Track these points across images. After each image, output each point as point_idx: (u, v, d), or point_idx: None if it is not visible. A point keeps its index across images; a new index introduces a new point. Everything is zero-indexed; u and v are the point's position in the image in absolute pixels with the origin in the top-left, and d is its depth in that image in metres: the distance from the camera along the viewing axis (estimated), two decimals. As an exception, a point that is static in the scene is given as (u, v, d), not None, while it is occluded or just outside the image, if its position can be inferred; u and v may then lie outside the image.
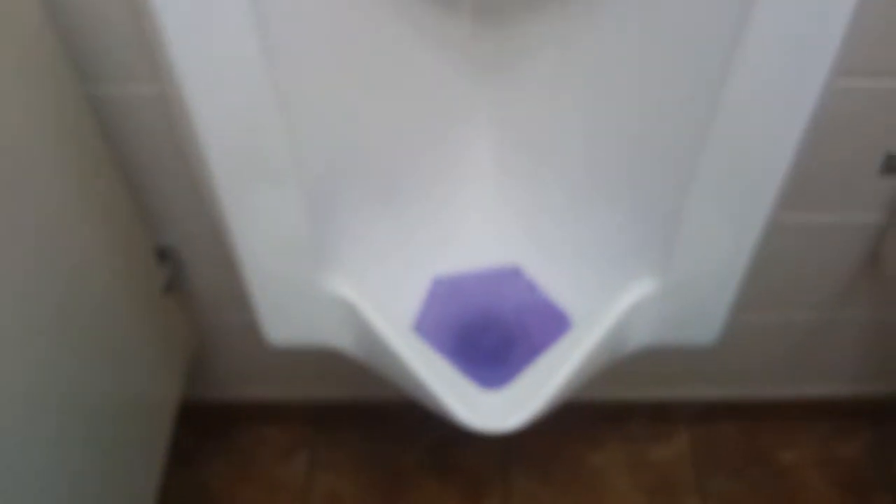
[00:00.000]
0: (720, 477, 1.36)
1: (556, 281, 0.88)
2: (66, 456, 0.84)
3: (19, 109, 0.73)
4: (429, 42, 0.76)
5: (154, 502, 1.06)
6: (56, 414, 0.82)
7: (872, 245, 1.04)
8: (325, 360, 1.10)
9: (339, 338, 0.83)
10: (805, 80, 0.63)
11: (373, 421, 1.38)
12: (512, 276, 0.88)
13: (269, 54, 0.63)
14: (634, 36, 0.72)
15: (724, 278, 0.79)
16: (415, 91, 0.79)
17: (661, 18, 0.69)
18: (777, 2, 0.59)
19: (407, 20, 0.74)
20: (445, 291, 0.88)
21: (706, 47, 0.66)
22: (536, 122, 0.82)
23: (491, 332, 0.87)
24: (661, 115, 0.74)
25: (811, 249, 1.05)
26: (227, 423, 1.38)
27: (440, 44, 0.76)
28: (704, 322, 0.83)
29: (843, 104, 0.85)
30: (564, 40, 0.75)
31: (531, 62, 0.79)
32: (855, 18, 0.60)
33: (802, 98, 0.64)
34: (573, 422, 1.37)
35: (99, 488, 0.92)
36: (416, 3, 0.73)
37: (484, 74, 0.80)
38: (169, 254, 1.04)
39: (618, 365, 0.90)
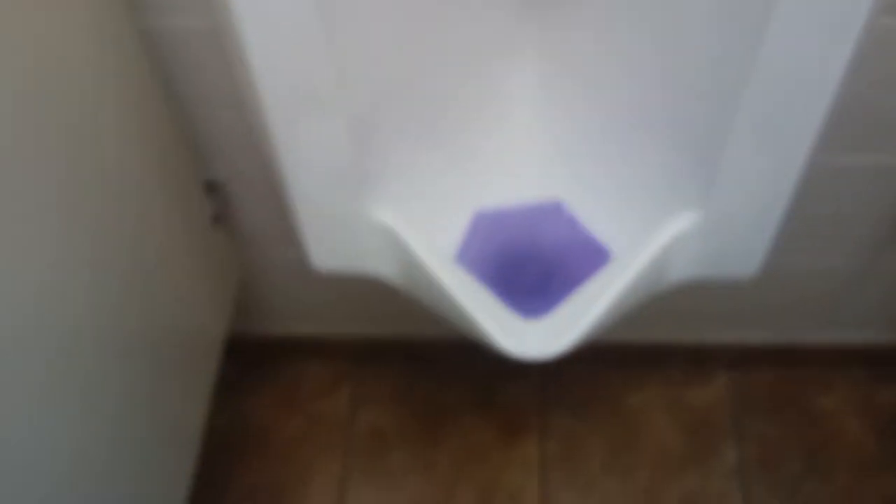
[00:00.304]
0: (757, 421, 1.37)
1: (597, 215, 0.89)
2: (115, 386, 0.87)
3: (74, 40, 0.75)
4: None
5: (201, 432, 1.08)
6: (102, 342, 0.84)
7: (914, 190, 1.03)
8: (368, 297, 1.12)
9: (382, 266, 0.84)
10: (846, 16, 0.63)
11: (414, 358, 1.41)
12: (553, 211, 0.89)
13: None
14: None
15: (765, 213, 0.79)
16: (460, 23, 0.80)
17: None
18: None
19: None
20: (487, 224, 0.89)
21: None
22: (581, 56, 0.83)
23: (532, 265, 0.88)
24: (703, 53, 0.74)
25: (852, 192, 1.04)
26: (271, 357, 1.41)
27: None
28: (744, 255, 0.83)
29: (886, 43, 0.84)
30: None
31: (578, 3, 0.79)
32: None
33: (843, 34, 0.64)
34: (612, 362, 1.38)
35: (147, 417, 0.95)
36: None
37: (529, 8, 0.80)
38: (217, 187, 1.06)
39: (657, 305, 0.91)
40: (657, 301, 0.89)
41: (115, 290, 0.85)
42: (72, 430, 0.79)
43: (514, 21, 0.81)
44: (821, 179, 1.00)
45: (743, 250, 0.83)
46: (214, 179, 1.05)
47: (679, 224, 0.81)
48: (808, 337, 1.36)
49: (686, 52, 0.76)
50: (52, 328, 0.74)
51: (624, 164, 0.86)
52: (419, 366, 1.41)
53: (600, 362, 1.36)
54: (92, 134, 0.79)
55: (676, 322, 1.32)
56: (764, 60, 0.66)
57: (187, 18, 0.85)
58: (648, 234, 0.81)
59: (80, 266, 0.78)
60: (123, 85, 0.83)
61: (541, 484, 1.32)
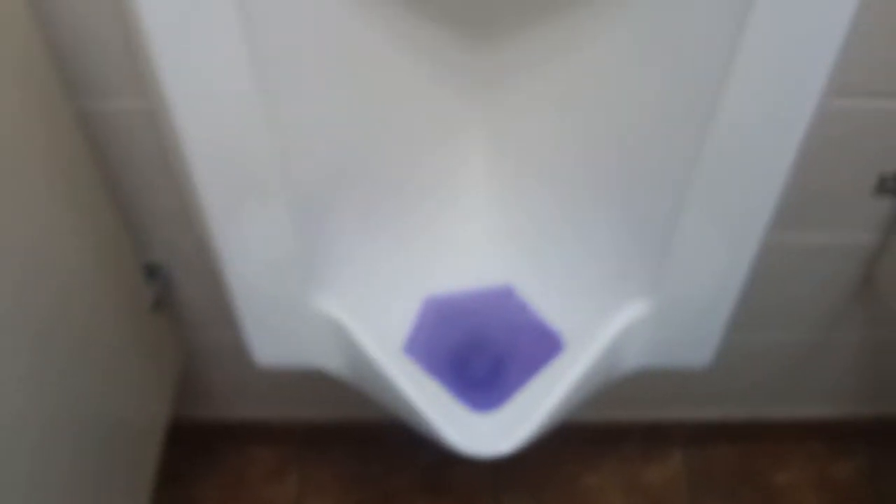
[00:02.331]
0: (715, 498, 1.35)
1: (548, 301, 0.87)
2: (53, 475, 0.83)
3: (7, 122, 0.72)
4: (421, 57, 0.75)
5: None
6: (42, 432, 0.81)
7: (865, 266, 1.03)
8: (317, 380, 1.09)
9: (328, 359, 0.82)
10: (799, 99, 0.63)
11: (364, 441, 1.37)
12: (504, 296, 0.87)
13: (258, 69, 0.62)
14: (627, 54, 0.71)
15: (718, 299, 0.78)
16: (407, 107, 0.78)
17: (653, 37, 0.69)
18: (770, 22, 0.58)
19: (399, 36, 0.73)
20: (437, 311, 0.87)
21: (699, 66, 0.65)
22: (530, 139, 0.82)
23: (483, 353, 0.86)
24: (654, 134, 0.73)
25: (805, 270, 1.04)
26: (217, 442, 1.37)
27: (433, 59, 0.76)
28: (698, 344, 0.82)
29: (836, 124, 0.84)
30: (558, 57, 0.74)
31: (525, 78, 0.78)
32: (848, 39, 0.59)
33: (796, 117, 0.64)
34: (566, 443, 1.36)
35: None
36: (409, 19, 0.72)
37: (477, 90, 0.79)
38: (157, 271, 1.03)
39: (611, 387, 0.89)
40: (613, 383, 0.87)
41: (52, 380, 0.82)
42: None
43: (462, 101, 0.80)
44: (773, 257, 1.00)
45: (696, 339, 0.81)
46: (154, 262, 1.02)
47: (631, 311, 0.79)
48: (764, 412, 1.35)
49: (637, 134, 0.75)
50: None
51: (575, 249, 0.85)
52: (368, 449, 1.38)
53: (555, 442, 1.32)
54: (26, 219, 0.76)
55: (631, 401, 1.31)
56: (716, 142, 0.66)
57: (123, 101, 0.82)
58: (600, 321, 0.79)
59: (12, 355, 0.75)
60: (58, 168, 0.81)
61: (496, 571, 1.28)
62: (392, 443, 1.35)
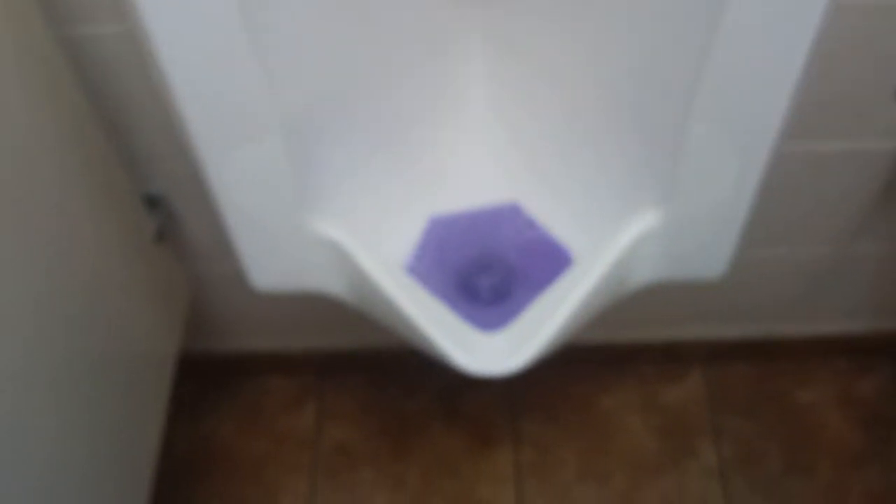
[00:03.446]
0: (735, 417, 1.34)
1: (556, 217, 0.85)
2: (65, 414, 0.83)
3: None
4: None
5: (157, 456, 1.04)
6: (51, 369, 0.80)
7: (887, 174, 1.00)
8: (328, 308, 1.08)
9: (329, 282, 0.80)
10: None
11: (379, 368, 1.37)
12: (511, 213, 0.85)
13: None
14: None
15: (730, 209, 0.75)
16: (399, 20, 0.75)
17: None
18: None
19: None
20: (441, 231, 0.84)
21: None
22: (532, 50, 0.79)
23: (490, 271, 0.84)
24: (659, 40, 0.70)
25: (823, 180, 1.01)
26: (231, 375, 1.37)
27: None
28: (711, 255, 0.80)
29: (851, 24, 0.80)
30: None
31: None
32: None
33: (806, 15, 0.60)
34: (582, 364, 1.35)
35: (101, 445, 0.91)
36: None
37: (473, 6, 0.76)
38: (158, 202, 1.01)
39: (626, 304, 0.87)
40: (624, 300, 0.85)
41: (58, 315, 0.82)
42: (18, 456, 0.75)
43: (460, 10, 0.77)
44: (790, 168, 0.97)
45: (709, 249, 0.79)
46: (155, 193, 1.00)
47: (641, 223, 0.77)
48: (784, 329, 1.33)
49: (642, 42, 0.72)
50: None
51: (582, 162, 0.82)
52: (384, 376, 1.37)
53: (570, 364, 1.32)
54: (21, 153, 0.74)
55: (647, 319, 1.29)
56: (722, 47, 0.63)
57: (107, 26, 0.79)
58: (610, 235, 0.77)
59: (22, 293, 0.75)
60: (48, 101, 0.79)
61: (516, 495, 1.28)
62: (408, 368, 1.34)
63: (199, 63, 0.62)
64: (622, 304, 0.85)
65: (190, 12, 0.59)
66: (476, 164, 0.85)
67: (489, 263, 0.84)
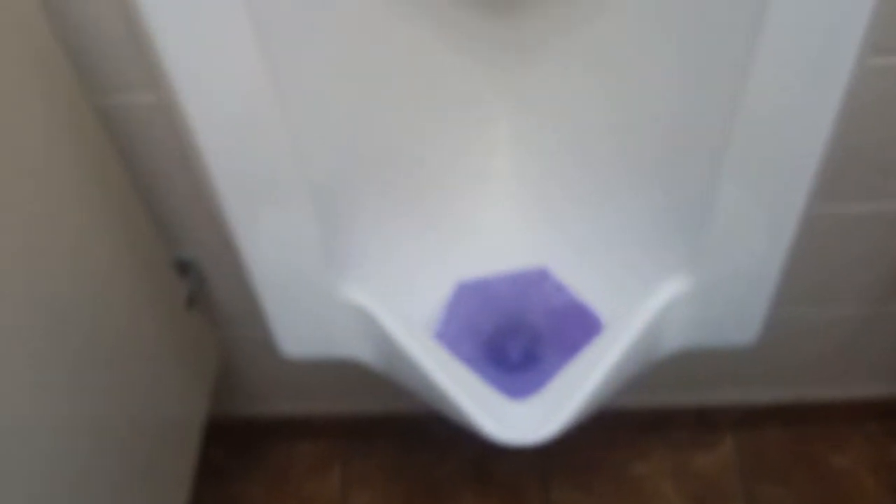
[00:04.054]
0: (768, 483, 1.32)
1: (585, 281, 0.84)
2: (93, 477, 0.83)
3: (35, 129, 0.72)
4: (442, 32, 0.73)
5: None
6: (82, 434, 0.81)
7: (918, 235, 0.99)
8: (355, 373, 1.08)
9: (357, 349, 0.80)
10: (834, 59, 0.60)
11: (407, 433, 1.35)
12: (539, 278, 0.85)
13: (272, 59, 0.60)
14: (659, 19, 0.69)
15: (761, 274, 0.75)
16: (428, 86, 0.76)
17: (679, 5, 0.66)
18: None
19: (420, 17, 0.71)
20: (470, 296, 0.84)
21: (729, 29, 0.62)
22: (558, 113, 0.79)
23: (519, 337, 0.83)
24: (687, 103, 0.71)
25: (851, 241, 1.00)
26: (258, 439, 1.36)
27: (454, 33, 0.73)
28: (742, 321, 0.79)
29: (877, 84, 0.80)
30: (584, 26, 0.72)
31: (551, 49, 0.75)
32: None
33: (833, 78, 0.61)
34: (614, 430, 1.33)
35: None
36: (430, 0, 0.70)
37: (501, 64, 0.76)
38: (190, 267, 1.02)
39: (656, 369, 0.86)
40: (656, 365, 0.84)
41: (89, 379, 0.82)
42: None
43: (487, 76, 0.78)
44: (818, 230, 0.97)
45: (740, 315, 0.78)
46: (186, 259, 1.01)
47: (671, 289, 0.76)
48: (817, 393, 1.31)
49: (670, 105, 0.72)
50: (30, 415, 0.71)
51: (610, 226, 0.82)
52: (412, 442, 1.36)
53: (602, 430, 1.30)
54: (55, 220, 0.75)
55: (678, 384, 1.28)
56: (748, 109, 0.63)
57: (141, 94, 0.81)
58: (640, 300, 0.77)
59: (55, 360, 0.75)
60: (85, 168, 0.80)
61: (545, 562, 1.26)
62: (436, 434, 1.33)
63: (229, 131, 0.64)
64: (652, 369, 0.84)
65: (221, 83, 0.61)
66: (504, 227, 0.85)
67: (518, 328, 0.84)
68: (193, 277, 1.03)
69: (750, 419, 1.34)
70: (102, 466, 0.84)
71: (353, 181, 0.76)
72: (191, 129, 0.63)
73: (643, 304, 0.76)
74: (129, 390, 0.90)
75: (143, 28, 0.69)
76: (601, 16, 0.70)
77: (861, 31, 0.58)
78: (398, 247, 0.81)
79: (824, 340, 1.19)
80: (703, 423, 1.34)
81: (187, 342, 1.05)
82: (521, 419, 0.73)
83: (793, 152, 0.66)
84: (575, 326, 0.83)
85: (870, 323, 1.16)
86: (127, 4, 0.72)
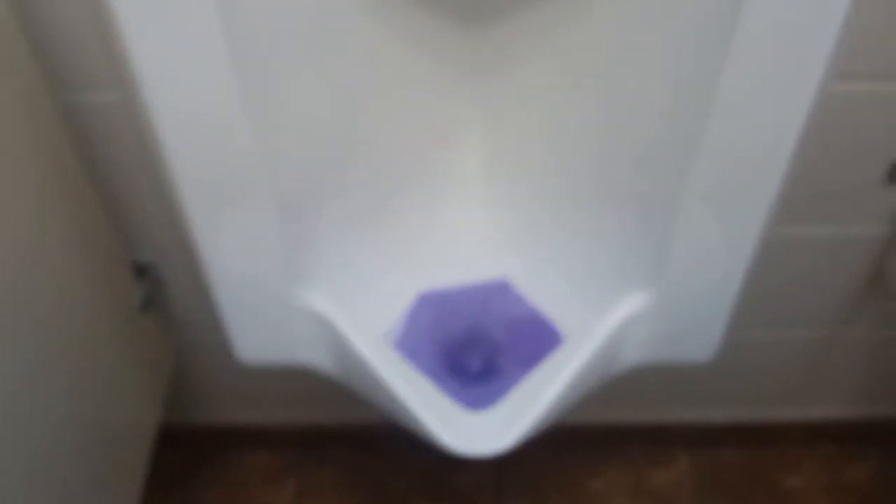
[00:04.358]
0: (722, 502, 1.32)
1: (546, 294, 0.84)
2: (39, 480, 0.81)
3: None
4: (411, 44, 0.73)
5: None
6: (27, 436, 0.79)
7: (877, 259, 1.00)
8: (311, 382, 1.07)
9: (315, 357, 0.79)
10: (799, 82, 0.61)
11: (362, 444, 1.34)
12: (500, 290, 0.85)
13: (239, 61, 0.59)
14: (623, 41, 0.69)
15: (720, 292, 0.75)
16: (395, 96, 0.76)
17: (651, 22, 0.66)
18: (768, 4, 0.55)
19: (388, 22, 0.70)
20: (430, 307, 0.84)
21: (697, 51, 0.63)
22: (525, 127, 0.79)
23: (478, 348, 0.83)
24: (654, 122, 0.71)
25: (813, 264, 1.01)
26: (212, 447, 1.35)
27: (423, 45, 0.73)
28: (700, 338, 0.79)
29: (842, 110, 0.81)
30: (553, 41, 0.72)
31: (519, 67, 0.75)
32: (850, 19, 0.57)
33: (796, 101, 0.62)
34: (570, 446, 1.33)
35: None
36: (399, 6, 0.70)
37: (469, 76, 0.76)
38: (147, 270, 1.00)
39: (614, 386, 0.86)
40: (613, 380, 0.84)
41: (38, 382, 0.80)
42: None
43: (454, 88, 0.77)
44: (778, 252, 0.97)
45: (698, 332, 0.79)
46: (143, 262, 1.00)
47: (631, 304, 0.77)
48: (773, 414, 1.32)
49: (634, 125, 0.73)
50: None
51: (573, 240, 0.82)
52: (367, 453, 1.35)
53: (558, 444, 1.30)
54: (13, 218, 0.74)
55: (635, 402, 1.28)
56: (713, 131, 0.64)
57: (104, 94, 0.80)
58: (599, 315, 0.77)
59: (2, 358, 0.73)
60: (45, 165, 0.79)
61: (499, 577, 1.25)
62: (391, 445, 1.32)
63: (193, 131, 0.63)
64: (610, 385, 0.84)
65: (187, 82, 0.60)
66: (466, 240, 0.85)
67: (477, 340, 0.84)
68: (150, 280, 1.01)
69: (705, 438, 1.35)
70: (51, 468, 0.83)
71: (317, 186, 0.75)
72: (154, 128, 0.62)
73: (603, 318, 0.76)
74: (80, 392, 0.88)
75: (110, 24, 0.68)
76: (574, 24, 0.70)
77: (826, 57, 0.58)
78: (360, 255, 0.81)
79: (782, 363, 1.20)
80: (659, 440, 1.35)
81: (141, 346, 1.04)
82: (477, 430, 0.72)
83: (755, 174, 0.67)
84: (534, 339, 0.83)
85: (827, 347, 1.17)
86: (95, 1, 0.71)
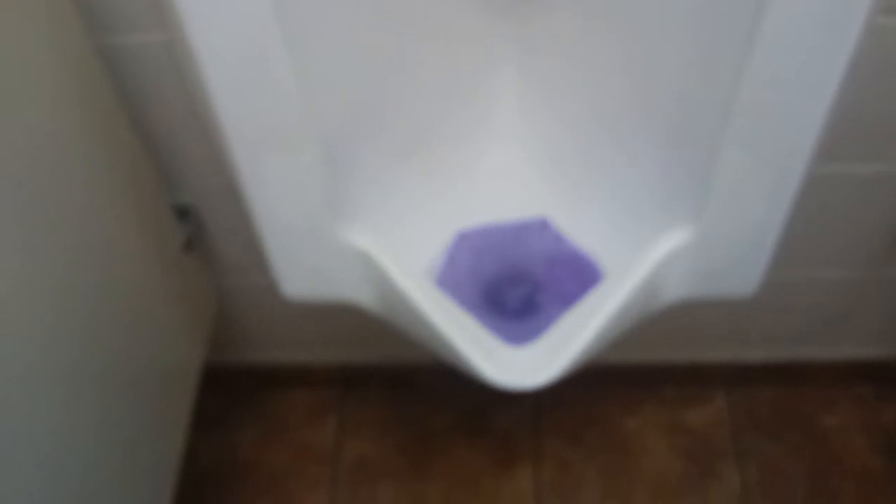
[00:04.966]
0: (759, 441, 1.33)
1: (586, 232, 0.84)
2: (84, 421, 0.83)
3: (39, 69, 0.71)
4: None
5: (180, 467, 1.04)
6: (73, 376, 0.80)
7: (920, 199, 0.99)
8: (351, 322, 1.08)
9: (357, 292, 0.80)
10: (844, 14, 0.59)
11: (402, 384, 1.36)
12: (540, 228, 0.85)
13: (281, 5, 0.60)
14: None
15: (763, 229, 0.75)
16: (434, 38, 0.76)
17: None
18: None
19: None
20: (470, 244, 0.84)
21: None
22: (565, 63, 0.79)
23: (518, 285, 0.84)
24: (690, 60, 0.70)
25: (854, 203, 1.00)
26: (253, 387, 1.37)
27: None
28: (742, 274, 0.79)
29: (887, 43, 0.80)
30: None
31: (556, 7, 0.75)
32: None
33: (841, 35, 0.60)
34: (606, 385, 1.34)
35: (122, 453, 0.91)
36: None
37: (507, 18, 0.76)
38: (188, 211, 1.02)
39: (650, 325, 0.87)
40: (653, 317, 0.85)
41: (82, 321, 0.81)
42: (42, 464, 0.75)
43: (492, 31, 0.77)
44: (818, 190, 0.97)
45: (740, 268, 0.78)
46: (185, 203, 1.01)
47: (672, 240, 0.76)
48: (809, 353, 1.32)
49: (674, 58, 0.72)
50: (18, 358, 0.71)
51: (613, 177, 0.82)
52: (407, 392, 1.37)
53: (594, 385, 1.31)
54: (56, 157, 0.75)
55: (671, 340, 1.28)
56: (756, 65, 0.63)
57: (144, 35, 0.80)
58: (640, 250, 0.77)
59: (47, 296, 0.75)
60: (86, 108, 0.80)
61: (536, 513, 1.27)
62: (431, 384, 1.34)
63: (238, 73, 0.63)
64: (647, 324, 0.85)
65: (231, 24, 0.60)
66: (507, 175, 0.85)
67: (518, 277, 0.84)
68: (191, 222, 1.02)
69: (742, 377, 1.35)
70: (93, 410, 0.84)
71: (358, 126, 0.76)
72: (199, 70, 0.63)
73: (643, 255, 0.76)
74: (122, 330, 0.90)
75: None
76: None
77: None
78: (401, 193, 0.81)
79: (820, 302, 1.20)
80: (695, 380, 1.35)
81: (184, 287, 1.05)
82: (519, 364, 0.73)
83: (798, 112, 0.66)
84: (574, 276, 0.83)
85: (865, 287, 1.16)
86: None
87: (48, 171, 0.74)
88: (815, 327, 1.26)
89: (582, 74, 0.79)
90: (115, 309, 0.88)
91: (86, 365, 0.82)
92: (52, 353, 0.76)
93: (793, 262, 1.08)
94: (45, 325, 0.75)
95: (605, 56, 0.77)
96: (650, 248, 0.76)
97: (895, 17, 0.77)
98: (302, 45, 0.64)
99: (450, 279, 0.82)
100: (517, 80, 0.82)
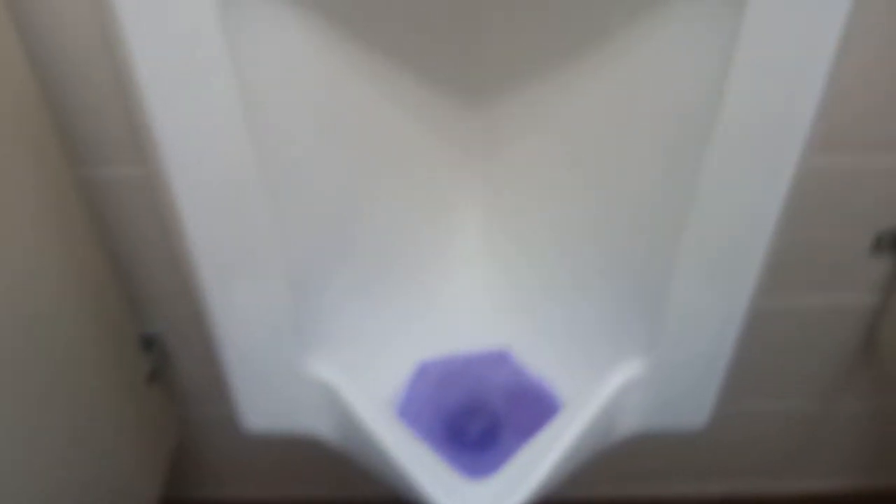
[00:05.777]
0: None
1: (544, 362, 0.86)
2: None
3: (11, 189, 0.73)
4: (417, 122, 0.76)
5: None
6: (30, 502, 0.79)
7: (868, 329, 1.02)
8: (312, 457, 1.08)
9: (319, 424, 0.80)
10: (779, 156, 0.63)
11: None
12: (499, 360, 0.87)
13: (256, 141, 0.63)
14: (614, 117, 0.72)
15: (712, 358, 0.77)
16: (402, 174, 0.79)
17: (638, 100, 0.70)
18: (749, 81, 0.59)
19: (395, 101, 0.74)
20: (431, 376, 0.86)
21: (684, 128, 0.66)
22: (524, 200, 0.82)
23: (478, 417, 0.85)
24: (643, 198, 0.74)
25: (803, 334, 1.03)
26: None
27: (426, 122, 0.77)
28: (693, 405, 0.81)
29: (827, 181, 0.84)
30: (550, 116, 0.75)
31: (518, 142, 0.79)
32: (830, 93, 0.59)
33: (777, 174, 0.65)
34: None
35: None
36: (406, 88, 0.74)
37: (471, 150, 0.80)
38: (154, 342, 1.02)
39: (610, 458, 0.87)
40: (609, 453, 0.86)
41: (42, 451, 0.81)
42: None
43: (457, 161, 0.81)
44: (768, 321, 0.99)
45: (692, 398, 0.80)
46: (152, 333, 1.02)
47: (627, 371, 0.79)
48: (768, 486, 1.32)
49: (625, 198, 0.76)
50: None
51: (570, 309, 0.85)
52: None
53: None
54: (26, 287, 0.76)
55: (630, 475, 1.28)
56: (701, 205, 0.66)
57: (121, 168, 0.83)
58: (597, 382, 0.78)
59: (8, 426, 0.74)
60: (59, 236, 0.81)
61: None
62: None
63: (212, 203, 0.66)
64: (606, 458, 0.86)
65: (208, 158, 0.63)
66: (468, 310, 0.87)
67: (478, 408, 0.85)
68: (157, 353, 1.03)
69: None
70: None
71: (324, 259, 0.78)
72: (174, 199, 0.65)
73: (599, 386, 0.78)
74: (81, 460, 0.89)
75: (133, 101, 0.72)
76: (569, 102, 0.73)
77: (805, 129, 0.61)
78: (364, 324, 0.83)
79: (775, 435, 1.21)
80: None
81: (145, 418, 1.04)
82: (478, 499, 0.73)
83: (741, 244, 0.69)
84: (533, 407, 0.84)
85: (820, 418, 1.18)
86: (119, 80, 0.75)
87: (18, 296, 0.74)
88: (774, 459, 1.27)
89: (541, 210, 0.82)
90: (75, 434, 0.87)
91: (44, 491, 0.81)
92: (11, 477, 0.75)
93: (747, 393, 1.10)
94: (7, 449, 0.74)
95: (565, 190, 0.80)
96: (605, 379, 0.78)
97: (834, 155, 0.82)
98: (276, 181, 0.67)
99: (411, 410, 0.83)
100: (480, 215, 0.85)
